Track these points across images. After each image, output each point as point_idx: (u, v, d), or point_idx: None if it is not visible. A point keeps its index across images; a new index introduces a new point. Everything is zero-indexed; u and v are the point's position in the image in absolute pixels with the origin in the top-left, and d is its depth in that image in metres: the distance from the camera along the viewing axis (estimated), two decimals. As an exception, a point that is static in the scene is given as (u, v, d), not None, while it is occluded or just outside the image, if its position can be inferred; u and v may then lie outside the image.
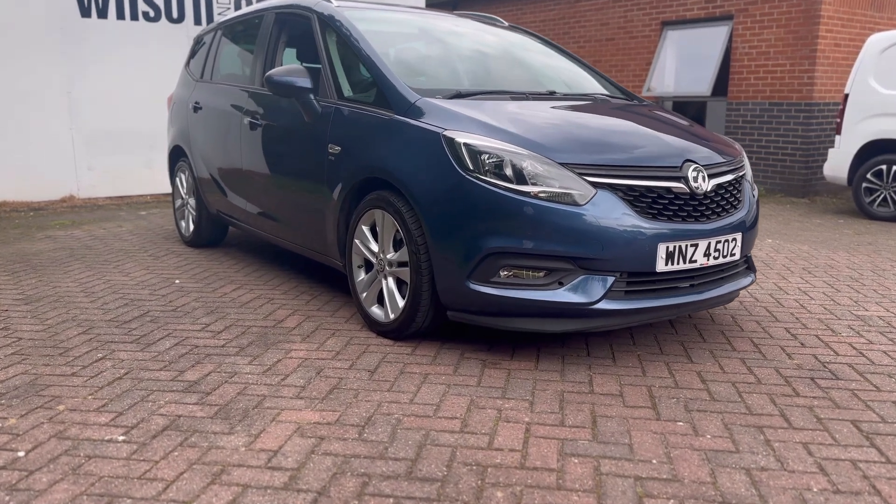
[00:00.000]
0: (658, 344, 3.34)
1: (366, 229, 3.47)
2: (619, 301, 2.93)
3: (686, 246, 3.00)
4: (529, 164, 2.91)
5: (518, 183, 2.90)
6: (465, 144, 2.99)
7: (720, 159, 3.29)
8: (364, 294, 3.53)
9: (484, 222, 2.91)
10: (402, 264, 3.28)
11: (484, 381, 2.87)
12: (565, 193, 2.88)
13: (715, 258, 3.12)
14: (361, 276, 3.56)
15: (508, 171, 2.92)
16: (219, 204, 5.01)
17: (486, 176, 2.93)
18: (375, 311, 3.47)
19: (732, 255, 3.20)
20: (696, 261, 3.06)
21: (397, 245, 3.32)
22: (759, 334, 3.50)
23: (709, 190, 3.13)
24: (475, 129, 3.06)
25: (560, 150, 2.98)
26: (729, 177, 3.26)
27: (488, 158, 2.94)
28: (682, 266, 3.03)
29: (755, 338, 3.45)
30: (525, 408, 2.62)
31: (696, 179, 3.08)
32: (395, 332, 3.32)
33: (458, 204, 2.96)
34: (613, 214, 2.88)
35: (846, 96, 7.61)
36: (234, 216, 4.84)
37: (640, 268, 2.94)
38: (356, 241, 3.53)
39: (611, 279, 2.91)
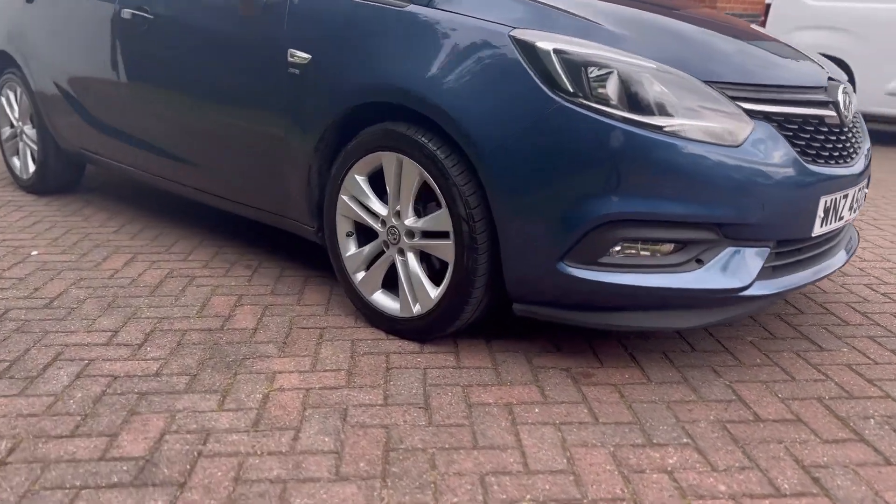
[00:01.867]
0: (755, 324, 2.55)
1: (361, 181, 2.33)
2: (768, 281, 2.07)
3: (839, 198, 2.19)
4: (663, 84, 1.92)
5: (645, 113, 1.90)
6: (557, 52, 1.93)
7: (842, 74, 2.47)
8: (360, 275, 2.42)
9: (594, 176, 1.90)
10: (430, 234, 2.21)
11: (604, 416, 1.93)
12: (718, 128, 1.93)
13: (854, 212, 2.34)
14: (352, 248, 2.44)
15: (635, 95, 1.91)
16: (78, 137, 3.53)
17: (596, 102, 1.90)
18: (381, 299, 2.38)
19: (861, 205, 2.44)
20: (843, 217, 2.27)
21: (422, 206, 2.24)
22: (859, 303, 2.82)
23: (852, 118, 2.32)
24: (563, 28, 2.00)
25: (699, 63, 2.00)
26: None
27: (598, 74, 1.91)
28: (832, 226, 2.22)
29: (863, 309, 2.76)
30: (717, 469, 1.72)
31: (846, 104, 2.24)
32: (422, 331, 2.27)
33: (547, 147, 1.92)
34: (776, 157, 1.98)
35: (767, 6, 7.15)
36: (107, 155, 3.42)
37: (795, 233, 2.09)
38: (344, 198, 2.38)
39: (766, 251, 2.04)
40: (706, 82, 1.95)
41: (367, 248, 2.38)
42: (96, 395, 1.96)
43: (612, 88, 1.90)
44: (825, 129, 2.15)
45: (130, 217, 3.63)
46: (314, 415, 1.89)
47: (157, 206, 3.82)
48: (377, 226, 2.33)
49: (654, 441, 1.80)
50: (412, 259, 2.26)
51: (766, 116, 2.01)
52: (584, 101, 1.90)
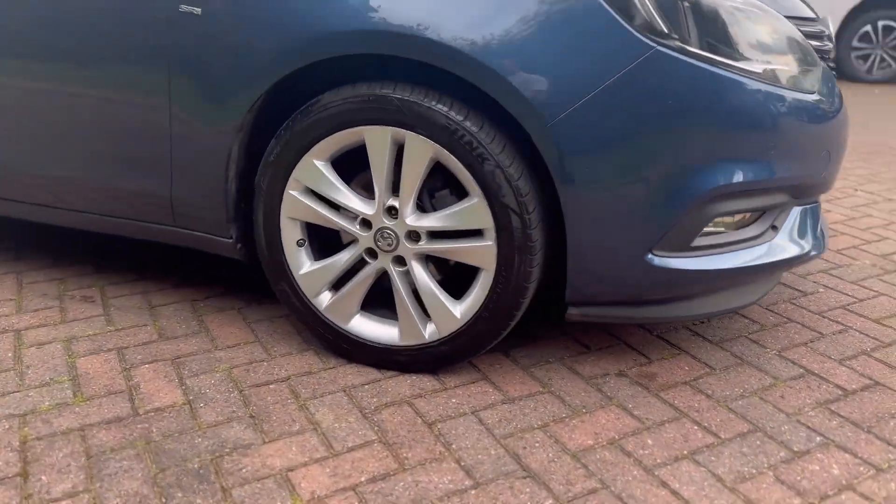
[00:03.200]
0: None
1: (325, 168, 1.65)
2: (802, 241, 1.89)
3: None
4: (764, 25, 1.56)
5: (750, 59, 1.55)
6: (644, -20, 1.46)
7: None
8: (324, 298, 1.76)
9: (700, 140, 1.50)
10: (445, 235, 1.64)
11: None
12: (805, 71, 1.64)
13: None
14: (306, 263, 1.75)
15: (738, 37, 1.53)
16: None
17: (698, 47, 1.49)
18: (365, 326, 1.76)
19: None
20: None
21: (421, 202, 1.66)
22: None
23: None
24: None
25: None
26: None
27: (698, 11, 1.49)
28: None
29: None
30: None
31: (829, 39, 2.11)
32: (440, 360, 1.72)
33: (638, 107, 1.46)
34: (834, 102, 1.76)
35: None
36: None
37: (826, 186, 1.93)
38: (293, 194, 1.68)
39: (818, 206, 1.85)
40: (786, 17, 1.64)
41: (337, 261, 1.72)
42: None
43: (715, 29, 1.50)
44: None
45: None
46: (402, 531, 1.28)
47: None
48: (355, 229, 1.67)
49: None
50: (419, 269, 1.67)
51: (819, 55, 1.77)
52: (684, 46, 1.47)
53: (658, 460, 1.48)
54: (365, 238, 1.67)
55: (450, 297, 1.67)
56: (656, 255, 1.57)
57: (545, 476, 1.42)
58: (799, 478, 1.45)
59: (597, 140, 1.47)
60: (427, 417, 1.59)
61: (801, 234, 1.76)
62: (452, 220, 1.60)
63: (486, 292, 1.62)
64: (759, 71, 1.54)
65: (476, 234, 1.61)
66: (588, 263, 1.58)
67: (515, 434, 1.55)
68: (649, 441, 1.54)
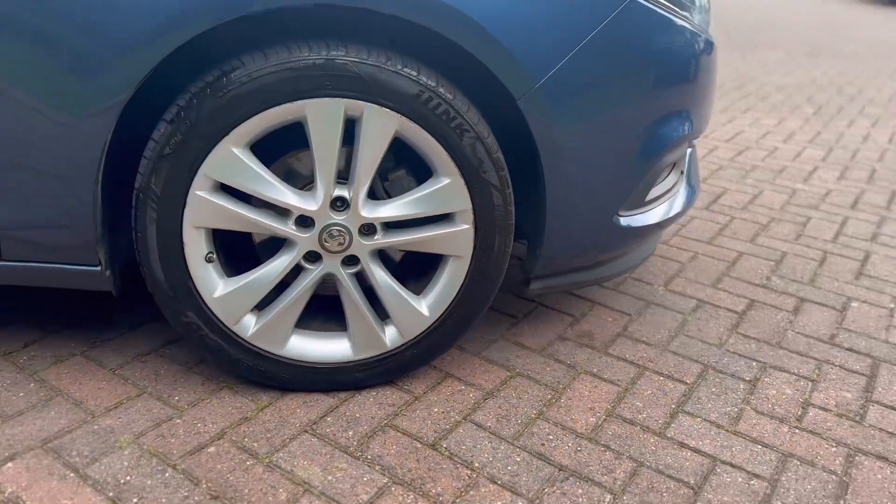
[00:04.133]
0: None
1: (245, 157, 1.27)
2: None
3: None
4: None
5: (688, 7, 1.52)
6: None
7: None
8: (248, 323, 1.38)
9: (676, 88, 1.46)
10: (397, 226, 1.38)
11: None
12: (706, 16, 1.67)
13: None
14: (219, 284, 1.35)
15: None
16: None
17: (665, -3, 1.42)
18: (305, 346, 1.43)
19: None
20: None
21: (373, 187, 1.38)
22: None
23: None
24: None
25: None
26: None
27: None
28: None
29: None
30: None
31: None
32: (402, 367, 1.48)
33: (619, 58, 1.36)
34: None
35: None
36: None
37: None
38: (200, 194, 1.26)
39: (693, 149, 1.95)
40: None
41: (267, 274, 1.35)
42: None
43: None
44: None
45: None
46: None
47: None
48: (290, 230, 1.32)
49: (748, 378, 1.65)
50: (376, 267, 1.39)
51: None
52: (657, -4, 1.39)
53: (661, 421, 1.47)
54: (305, 239, 1.33)
55: (414, 296, 1.43)
56: (621, 216, 1.52)
57: (584, 470, 1.32)
58: (770, 405, 1.55)
59: (583, 98, 1.34)
60: (424, 438, 1.36)
61: (692, 179, 1.85)
62: (420, 205, 1.34)
63: (462, 281, 1.41)
64: (696, 21, 1.54)
65: (441, 218, 1.38)
66: (564, 232, 1.46)
67: (523, 432, 1.40)
68: (638, 404, 1.52)
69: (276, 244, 1.40)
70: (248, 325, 1.38)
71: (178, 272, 1.31)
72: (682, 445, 1.41)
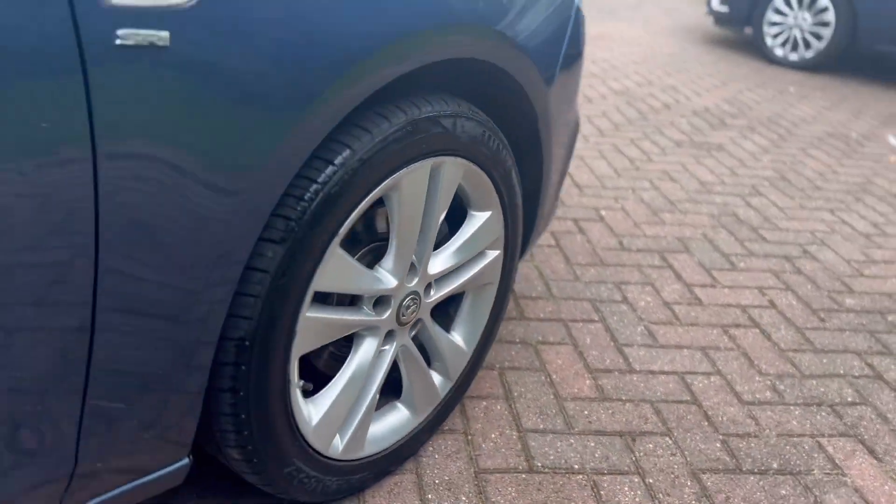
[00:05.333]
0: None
1: (343, 254, 1.04)
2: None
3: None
4: None
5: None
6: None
7: None
8: (341, 436, 1.16)
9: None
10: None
11: None
12: None
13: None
14: (309, 409, 1.10)
15: None
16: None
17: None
18: (376, 432, 1.27)
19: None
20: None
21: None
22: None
23: None
24: None
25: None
26: None
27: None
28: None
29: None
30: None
31: None
32: (448, 412, 1.41)
33: (575, 55, 1.45)
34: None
35: None
36: None
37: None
38: (311, 315, 1.01)
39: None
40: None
41: (351, 379, 1.13)
42: None
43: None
44: None
45: None
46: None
47: None
48: (371, 316, 1.14)
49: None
50: (433, 325, 1.28)
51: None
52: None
53: (671, 385, 1.73)
54: (385, 320, 1.15)
55: (448, 332, 1.36)
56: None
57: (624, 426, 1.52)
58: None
59: (568, 92, 1.42)
60: (519, 467, 1.37)
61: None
62: (470, 246, 1.27)
63: (491, 307, 1.40)
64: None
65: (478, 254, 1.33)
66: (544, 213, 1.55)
67: (569, 418, 1.51)
68: (636, 367, 1.72)
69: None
70: (338, 443, 1.15)
71: (282, 417, 1.02)
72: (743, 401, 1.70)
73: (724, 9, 5.47)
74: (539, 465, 1.38)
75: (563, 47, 1.35)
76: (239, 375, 0.93)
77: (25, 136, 0.62)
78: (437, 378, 1.35)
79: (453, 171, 1.15)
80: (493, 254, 1.34)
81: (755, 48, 5.57)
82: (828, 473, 1.47)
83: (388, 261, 1.12)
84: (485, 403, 1.53)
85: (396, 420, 1.29)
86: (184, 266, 0.78)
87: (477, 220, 1.27)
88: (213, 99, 0.74)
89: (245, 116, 0.77)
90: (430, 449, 1.39)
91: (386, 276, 1.12)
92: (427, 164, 1.08)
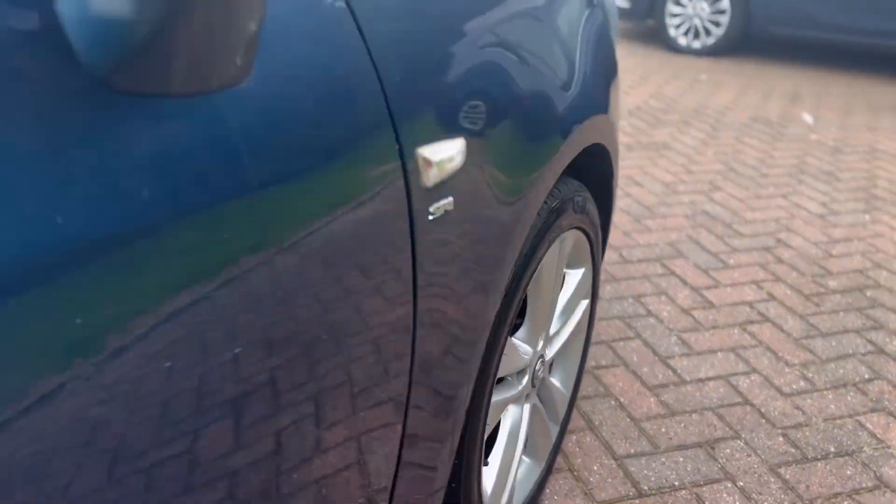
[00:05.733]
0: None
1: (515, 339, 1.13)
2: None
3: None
4: None
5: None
6: None
7: None
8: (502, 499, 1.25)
9: None
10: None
11: None
12: None
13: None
14: (484, 482, 1.18)
15: None
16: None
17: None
18: (518, 490, 1.35)
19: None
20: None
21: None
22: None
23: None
24: None
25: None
26: None
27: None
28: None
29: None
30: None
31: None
32: (553, 461, 1.51)
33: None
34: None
35: None
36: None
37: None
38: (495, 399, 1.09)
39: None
40: None
41: (508, 442, 1.22)
42: None
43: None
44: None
45: None
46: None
47: None
48: (519, 388, 1.22)
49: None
50: (548, 379, 1.38)
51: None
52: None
53: (721, 389, 1.88)
54: (525, 387, 1.24)
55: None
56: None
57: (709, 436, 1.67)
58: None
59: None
60: (630, 494, 1.49)
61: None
62: (573, 302, 1.38)
63: (582, 348, 1.51)
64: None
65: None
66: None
67: (685, 457, 1.64)
68: (686, 377, 1.88)
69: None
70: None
71: (477, 489, 1.09)
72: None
73: (625, 4, 5.79)
74: (645, 488, 1.51)
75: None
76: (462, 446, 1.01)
77: (357, 285, 0.67)
78: (549, 423, 1.44)
79: (570, 241, 1.25)
80: (585, 303, 1.45)
81: (659, 38, 5.91)
82: (875, 449, 1.67)
83: (524, 332, 1.20)
84: (575, 437, 1.64)
85: (525, 471, 1.38)
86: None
87: (574, 277, 1.38)
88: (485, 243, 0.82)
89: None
90: (548, 491, 1.49)
91: (524, 348, 1.20)
92: (561, 237, 1.18)
